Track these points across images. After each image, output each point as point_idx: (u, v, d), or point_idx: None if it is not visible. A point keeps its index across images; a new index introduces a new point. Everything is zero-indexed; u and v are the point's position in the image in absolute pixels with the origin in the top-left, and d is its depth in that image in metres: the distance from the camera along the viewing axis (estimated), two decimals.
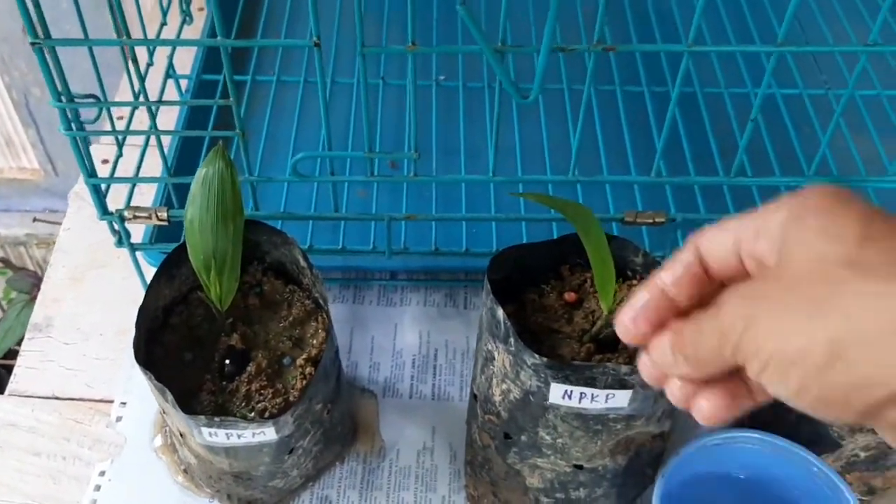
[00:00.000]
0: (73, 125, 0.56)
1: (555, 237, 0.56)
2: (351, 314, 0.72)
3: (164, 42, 0.54)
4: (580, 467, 0.53)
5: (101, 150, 0.82)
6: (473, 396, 0.57)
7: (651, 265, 0.54)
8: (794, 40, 0.57)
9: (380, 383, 0.67)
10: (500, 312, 0.49)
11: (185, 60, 0.82)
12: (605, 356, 0.51)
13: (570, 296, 0.55)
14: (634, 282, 0.55)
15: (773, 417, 0.61)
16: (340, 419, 0.60)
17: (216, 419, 0.49)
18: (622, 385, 0.47)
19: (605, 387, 0.47)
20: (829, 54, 0.83)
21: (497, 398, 0.52)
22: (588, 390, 0.47)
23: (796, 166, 0.73)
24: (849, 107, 0.77)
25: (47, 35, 0.50)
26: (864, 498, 0.61)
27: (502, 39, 0.51)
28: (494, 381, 0.52)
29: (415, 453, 0.64)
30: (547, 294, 0.55)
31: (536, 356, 0.47)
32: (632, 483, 0.57)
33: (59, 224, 0.79)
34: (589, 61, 0.54)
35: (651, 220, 0.63)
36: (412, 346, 0.70)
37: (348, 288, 0.73)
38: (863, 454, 0.57)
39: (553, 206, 0.48)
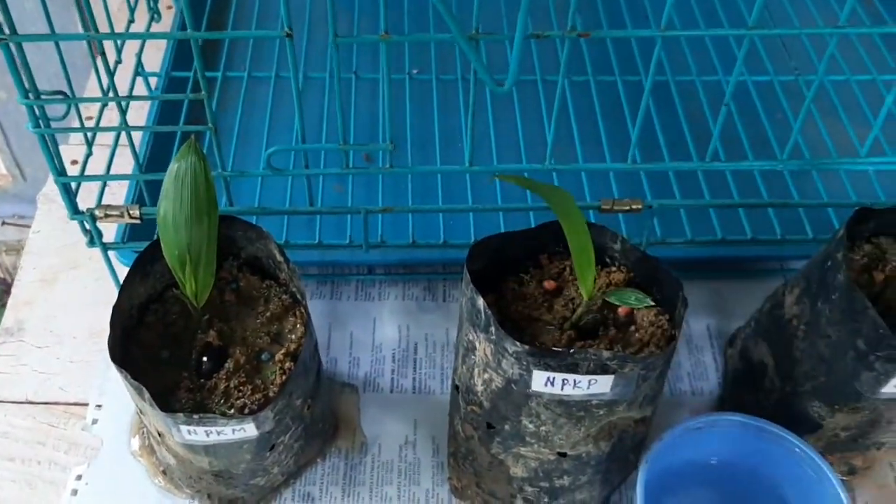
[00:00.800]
0: (41, 123, 0.55)
1: (533, 227, 0.56)
2: (329, 310, 0.71)
3: (133, 35, 0.54)
4: (564, 455, 0.53)
5: (71, 151, 0.80)
6: (455, 387, 0.56)
7: (629, 252, 0.54)
8: (765, 26, 0.57)
9: (360, 378, 0.67)
10: (481, 301, 0.48)
11: (154, 59, 0.81)
12: (587, 343, 0.51)
13: (549, 284, 0.55)
14: (613, 269, 0.55)
15: (755, 400, 0.61)
16: (321, 415, 0.59)
17: (195, 416, 0.48)
18: (604, 370, 0.47)
19: (588, 372, 0.47)
20: (800, 43, 0.83)
21: (479, 388, 0.52)
22: (570, 376, 0.47)
23: (769, 151, 0.74)
24: (819, 92, 0.78)
25: (13, 31, 0.49)
26: (845, 478, 0.61)
27: (476, 27, 0.51)
28: (476, 370, 0.52)
29: (397, 448, 0.63)
30: (526, 283, 0.55)
31: (518, 344, 0.47)
32: (615, 469, 0.57)
33: (29, 228, 0.77)
34: (562, 49, 0.54)
35: (628, 208, 0.63)
36: (392, 341, 0.69)
37: (325, 284, 0.73)
38: (843, 434, 0.57)
39: (533, 188, 0.48)
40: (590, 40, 0.84)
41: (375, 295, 0.72)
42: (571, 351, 0.46)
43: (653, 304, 0.49)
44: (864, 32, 0.61)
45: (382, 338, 0.69)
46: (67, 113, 0.58)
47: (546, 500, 0.57)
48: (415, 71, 0.83)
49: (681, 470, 0.56)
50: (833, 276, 0.53)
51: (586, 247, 0.48)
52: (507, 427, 0.52)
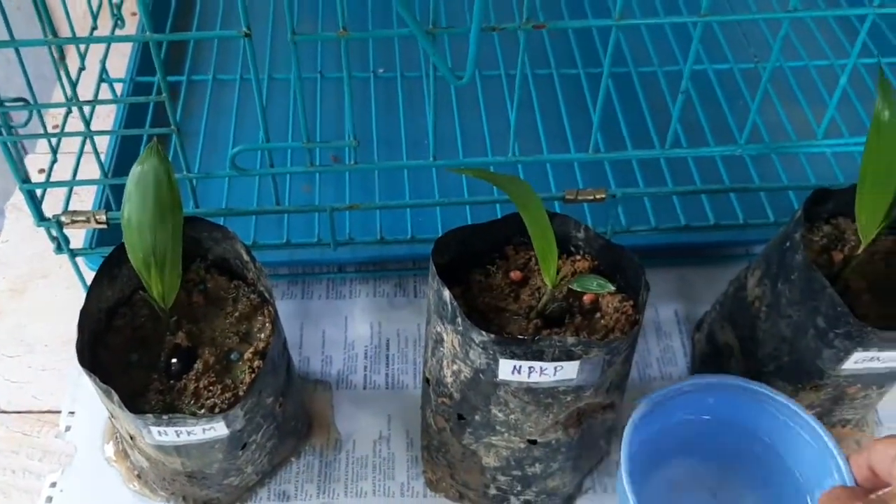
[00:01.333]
0: (2, 130, 0.55)
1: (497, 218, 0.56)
2: (300, 310, 0.71)
3: (94, 39, 0.54)
4: (534, 442, 0.53)
5: (37, 160, 0.80)
6: (426, 380, 0.57)
7: (593, 240, 0.54)
8: (721, 12, 0.58)
9: (333, 376, 0.67)
10: (447, 293, 0.49)
11: (119, 65, 0.81)
12: (553, 331, 0.52)
13: (515, 274, 0.55)
14: (578, 257, 0.55)
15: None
16: (294, 413, 0.60)
17: (164, 417, 0.48)
18: (569, 356, 0.47)
19: (553, 359, 0.47)
20: (759, 32, 0.85)
21: (449, 379, 0.53)
22: (536, 364, 0.48)
23: (730, 138, 0.75)
24: (779, 78, 0.79)
25: None
26: None
27: (434, 21, 0.51)
28: (445, 362, 0.52)
29: (371, 443, 0.64)
30: (493, 274, 0.56)
31: (483, 333, 0.47)
32: (586, 456, 0.58)
33: None
34: (521, 40, 0.54)
35: (592, 198, 0.64)
36: (364, 338, 0.70)
37: (296, 284, 0.73)
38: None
39: (490, 180, 0.48)
40: (553, 34, 0.85)
41: (346, 293, 0.72)
42: (536, 338, 0.47)
43: (614, 288, 0.50)
44: (817, 15, 0.62)
45: (354, 335, 0.70)
46: (29, 119, 0.58)
47: (519, 488, 0.58)
48: (381, 70, 0.83)
49: (670, 432, 0.56)
50: (792, 257, 0.54)
51: (547, 234, 0.49)
52: (477, 417, 0.53)
